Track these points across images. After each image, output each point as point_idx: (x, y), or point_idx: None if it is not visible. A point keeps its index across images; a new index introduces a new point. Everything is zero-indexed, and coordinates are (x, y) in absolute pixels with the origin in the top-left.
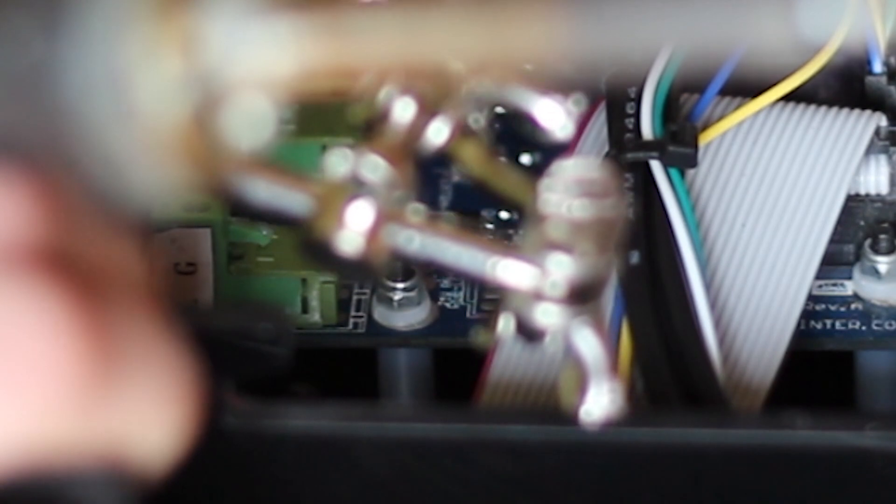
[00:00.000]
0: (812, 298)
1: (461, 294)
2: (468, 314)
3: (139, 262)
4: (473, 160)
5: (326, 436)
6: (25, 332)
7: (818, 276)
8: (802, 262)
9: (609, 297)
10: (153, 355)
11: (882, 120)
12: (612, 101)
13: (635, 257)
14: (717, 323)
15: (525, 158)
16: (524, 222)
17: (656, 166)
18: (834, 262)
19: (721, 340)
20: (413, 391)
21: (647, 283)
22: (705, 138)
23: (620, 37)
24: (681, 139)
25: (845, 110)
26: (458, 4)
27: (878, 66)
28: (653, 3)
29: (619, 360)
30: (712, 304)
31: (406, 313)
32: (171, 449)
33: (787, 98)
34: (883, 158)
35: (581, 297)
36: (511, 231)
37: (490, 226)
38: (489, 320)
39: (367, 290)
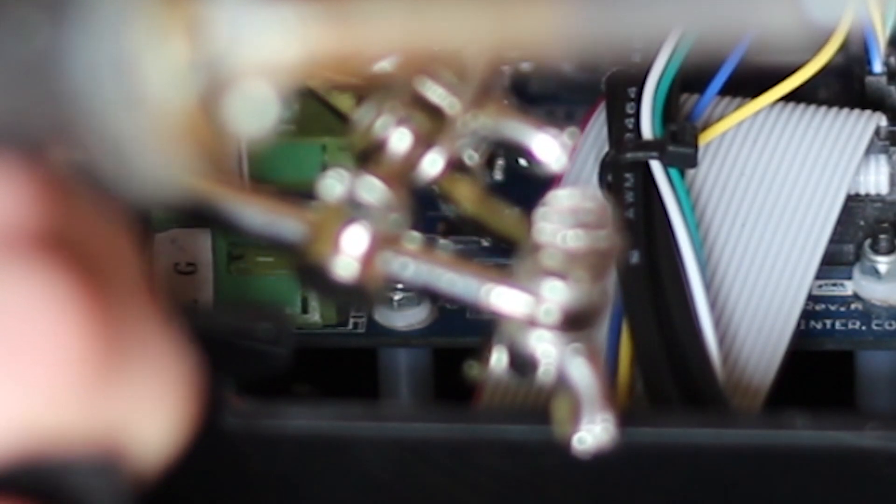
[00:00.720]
0: (812, 298)
1: None
2: (468, 314)
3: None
4: (468, 198)
5: (326, 436)
6: (30, 317)
7: (818, 276)
8: (802, 262)
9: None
10: (154, 347)
11: (882, 120)
12: (612, 101)
13: (635, 257)
14: (717, 323)
15: (524, 160)
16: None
17: (656, 166)
18: (834, 262)
19: (721, 340)
20: (413, 391)
21: (647, 283)
22: (705, 138)
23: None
24: (681, 139)
25: (845, 110)
26: None
27: (878, 66)
28: None
29: (619, 360)
30: (712, 304)
31: (406, 313)
32: (169, 443)
33: (787, 98)
34: (883, 158)
35: (575, 324)
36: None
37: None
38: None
39: None
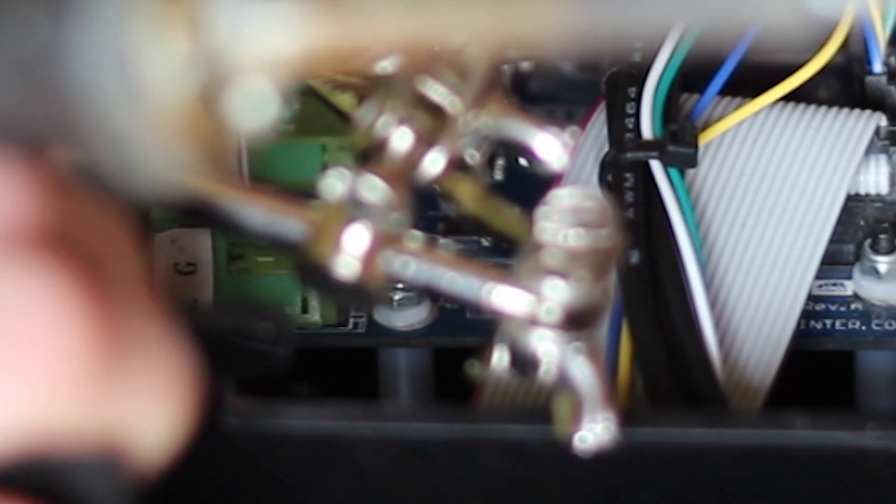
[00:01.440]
0: (812, 298)
1: None
2: (468, 314)
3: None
4: (469, 198)
5: (326, 436)
6: (30, 315)
7: (818, 276)
8: (802, 262)
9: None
10: (155, 346)
11: (882, 120)
12: (612, 101)
13: (635, 257)
14: (717, 323)
15: (524, 159)
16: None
17: (656, 166)
18: (834, 262)
19: (721, 340)
20: (413, 391)
21: (647, 283)
22: (705, 138)
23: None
24: (681, 139)
25: (845, 110)
26: None
27: (878, 66)
28: None
29: (619, 360)
30: (712, 304)
31: (406, 313)
32: (170, 441)
33: (787, 98)
34: (883, 158)
35: (576, 323)
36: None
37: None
38: (483, 353)
39: None
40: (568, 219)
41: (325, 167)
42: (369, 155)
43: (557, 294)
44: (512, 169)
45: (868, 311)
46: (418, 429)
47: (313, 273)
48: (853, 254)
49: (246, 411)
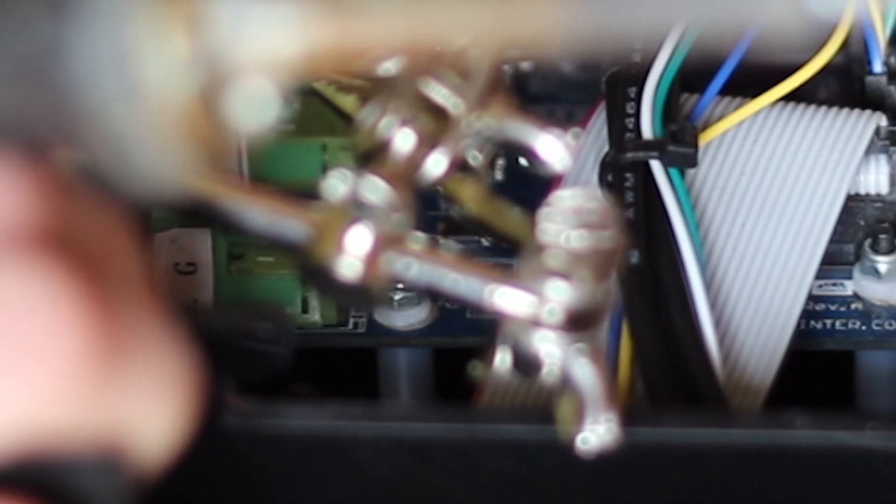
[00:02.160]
0: (812, 298)
1: None
2: (468, 314)
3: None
4: (472, 199)
5: (326, 436)
6: (31, 315)
7: (818, 276)
8: (802, 262)
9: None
10: (155, 346)
11: (882, 120)
12: (612, 101)
13: (635, 257)
14: (717, 323)
15: (525, 159)
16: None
17: (656, 166)
18: (834, 262)
19: (721, 340)
20: (413, 391)
21: (647, 283)
22: (705, 138)
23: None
24: (681, 139)
25: (845, 110)
26: None
27: (878, 66)
28: None
29: (619, 360)
30: (712, 304)
31: (406, 313)
32: (170, 442)
33: (787, 98)
34: (883, 158)
35: (579, 324)
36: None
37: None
38: (485, 354)
39: None
40: (570, 220)
41: (325, 167)
42: (372, 156)
43: (560, 295)
44: (512, 169)
45: (868, 311)
46: (418, 429)
47: (315, 274)
48: (853, 254)
49: (246, 411)
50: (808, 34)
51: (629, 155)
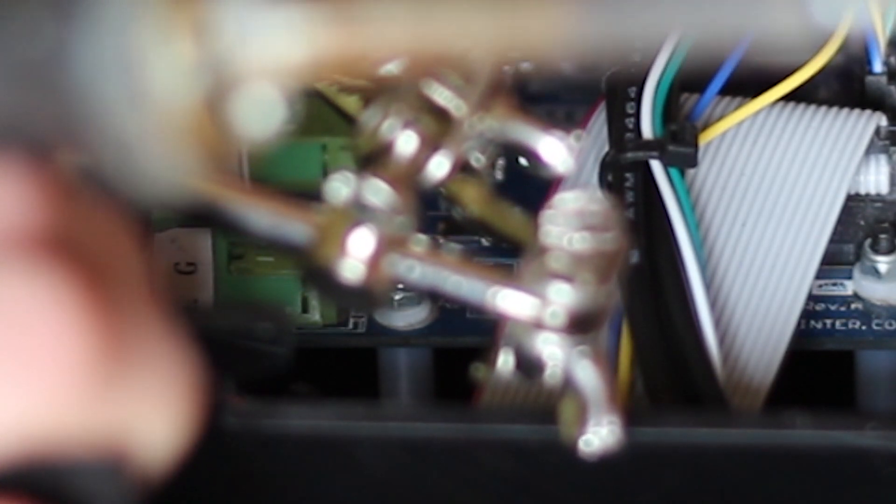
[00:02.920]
0: (812, 298)
1: None
2: (468, 314)
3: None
4: (474, 201)
5: (326, 436)
6: (32, 318)
7: (818, 276)
8: (802, 262)
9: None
10: (157, 349)
11: (882, 120)
12: (612, 100)
13: (635, 257)
14: (717, 323)
15: (525, 159)
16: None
17: (656, 166)
18: (834, 262)
19: (721, 340)
20: (413, 391)
21: (647, 283)
22: (705, 138)
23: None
24: (681, 139)
25: (845, 110)
26: None
27: (878, 66)
28: None
29: (619, 360)
30: (712, 304)
31: (406, 313)
32: (174, 444)
33: (787, 98)
34: (883, 158)
35: (581, 326)
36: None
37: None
38: (488, 356)
39: None
40: (573, 222)
41: (325, 167)
42: (374, 158)
43: (562, 297)
44: (512, 169)
45: (868, 311)
46: (419, 429)
47: (318, 276)
48: (853, 254)
49: (246, 411)
50: (810, 40)
51: (629, 155)
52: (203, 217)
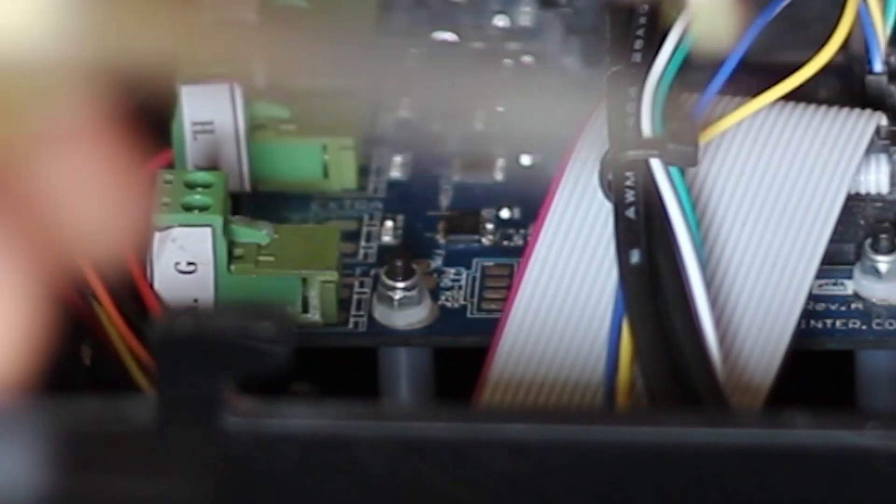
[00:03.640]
0: (812, 298)
1: (461, 293)
2: (468, 314)
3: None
4: None
5: (326, 436)
6: None
7: (818, 276)
8: (802, 262)
9: (609, 298)
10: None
11: (882, 119)
12: (612, 100)
13: (635, 257)
14: (717, 323)
15: (525, 159)
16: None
17: (656, 165)
18: (834, 262)
19: (721, 340)
20: (413, 391)
21: (647, 282)
22: (705, 137)
23: None
24: (681, 137)
25: (845, 110)
26: None
27: (878, 66)
28: None
29: (619, 360)
30: (712, 304)
31: (406, 313)
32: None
33: (787, 98)
34: (883, 158)
35: None
36: (511, 231)
37: (490, 226)
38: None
39: (368, 290)
40: None
41: (325, 167)
42: None
43: None
44: (513, 169)
45: (868, 311)
46: (419, 428)
47: None
48: (853, 253)
49: (246, 411)
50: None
51: (629, 153)
52: None
